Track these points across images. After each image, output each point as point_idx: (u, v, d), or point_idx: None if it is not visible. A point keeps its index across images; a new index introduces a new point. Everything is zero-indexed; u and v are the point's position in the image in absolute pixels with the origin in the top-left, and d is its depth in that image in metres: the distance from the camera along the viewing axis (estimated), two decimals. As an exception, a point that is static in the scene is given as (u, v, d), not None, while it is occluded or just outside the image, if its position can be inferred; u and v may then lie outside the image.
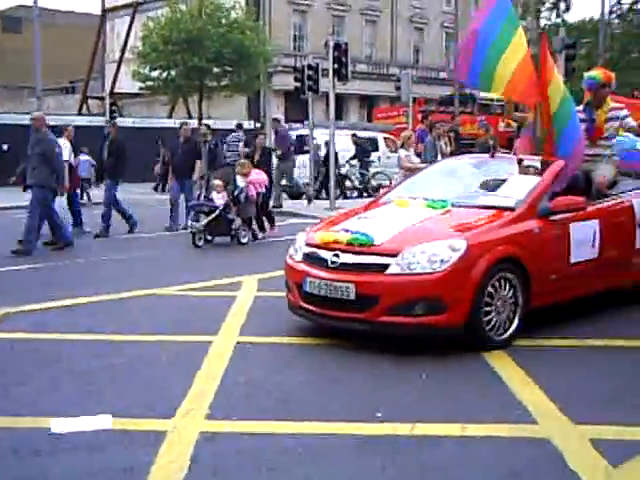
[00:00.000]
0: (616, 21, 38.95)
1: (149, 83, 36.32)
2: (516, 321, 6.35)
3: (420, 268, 5.98)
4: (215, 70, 34.67)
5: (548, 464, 4.09)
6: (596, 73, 8.31)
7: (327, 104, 23.64)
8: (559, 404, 4.92)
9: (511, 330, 6.31)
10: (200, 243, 12.77)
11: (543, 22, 40.20)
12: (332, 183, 19.94)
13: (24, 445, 4.36)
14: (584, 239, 7.01)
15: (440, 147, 16.40)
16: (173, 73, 34.89)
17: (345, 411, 4.89)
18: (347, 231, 6.53)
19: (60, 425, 4.60)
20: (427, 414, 4.80)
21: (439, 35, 52.90)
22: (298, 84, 21.40)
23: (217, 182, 13.23)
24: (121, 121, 31.79)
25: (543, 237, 6.67)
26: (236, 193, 13.05)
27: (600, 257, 7.17)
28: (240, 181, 13.14)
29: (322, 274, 6.34)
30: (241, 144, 19.22)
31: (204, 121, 33.22)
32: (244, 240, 13.20)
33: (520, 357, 5.96)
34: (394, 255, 6.07)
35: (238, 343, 6.45)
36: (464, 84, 8.78)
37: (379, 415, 4.79)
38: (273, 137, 20.42)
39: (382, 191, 9.60)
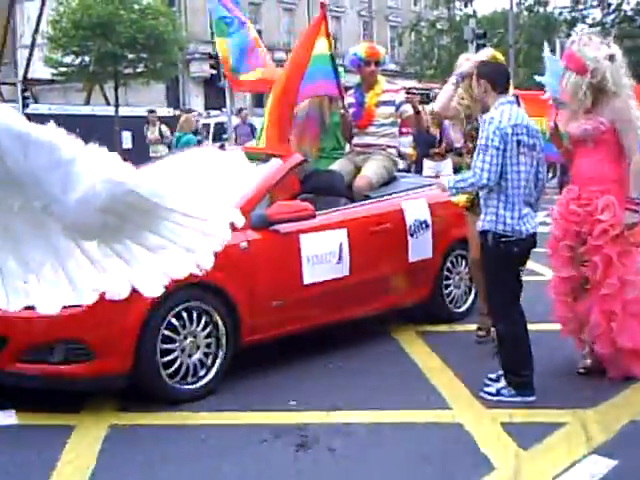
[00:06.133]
0: (525, 13, 39.77)
1: (62, 69, 35.43)
2: (218, 364, 5.01)
3: None
4: (130, 56, 34.01)
5: (460, 448, 4.12)
6: (358, 48, 6.91)
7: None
8: (472, 389, 4.96)
9: (210, 376, 4.97)
10: None
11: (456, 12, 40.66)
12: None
13: None
14: (324, 254, 5.62)
15: None
16: (87, 59, 34.11)
17: (260, 400, 4.84)
18: None
19: None
20: (341, 402, 4.78)
21: (356, 24, 53.04)
22: (214, 71, 21.22)
23: None
24: (34, 108, 30.99)
25: (256, 253, 5.23)
26: None
27: (352, 276, 5.78)
28: None
29: None
30: None
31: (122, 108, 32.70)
32: None
33: (435, 342, 6.00)
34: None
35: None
36: None
37: (293, 403, 4.76)
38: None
39: None
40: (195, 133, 16.28)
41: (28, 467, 3.94)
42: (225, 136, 22.26)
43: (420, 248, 6.25)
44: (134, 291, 4.41)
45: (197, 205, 1.77)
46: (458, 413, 4.61)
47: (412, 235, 6.22)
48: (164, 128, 16.87)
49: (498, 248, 4.74)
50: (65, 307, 4.36)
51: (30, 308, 4.46)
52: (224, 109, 24.67)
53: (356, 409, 4.66)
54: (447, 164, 10.52)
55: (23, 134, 1.49)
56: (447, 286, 6.54)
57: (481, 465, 3.90)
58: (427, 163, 10.88)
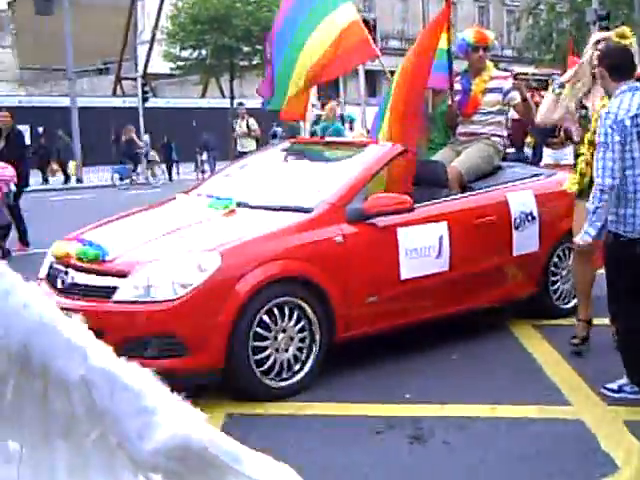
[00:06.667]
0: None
1: (180, 63, 36.42)
2: (311, 361, 4.88)
3: (158, 294, 4.56)
4: (245, 49, 34.60)
5: (580, 446, 3.99)
6: (466, 33, 6.68)
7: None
8: (593, 385, 4.79)
9: (302, 373, 4.84)
10: None
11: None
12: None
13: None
14: (422, 248, 5.40)
15: None
16: (204, 52, 34.90)
17: (374, 393, 4.83)
18: (80, 241, 5.19)
19: None
20: (457, 395, 4.72)
21: (471, 9, 52.19)
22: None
23: None
24: (153, 102, 31.98)
25: (351, 247, 5.09)
26: None
27: (453, 270, 5.57)
28: None
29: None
30: None
31: (237, 101, 33.30)
32: None
33: (553, 336, 5.82)
34: (124, 275, 4.70)
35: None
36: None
37: (408, 396, 4.72)
38: None
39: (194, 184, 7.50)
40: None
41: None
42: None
43: (525, 241, 6.00)
44: (227, 287, 4.60)
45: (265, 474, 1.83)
46: (578, 409, 4.46)
47: (517, 228, 5.96)
48: (252, 121, 16.72)
49: (620, 249, 4.47)
50: (159, 302, 4.55)
51: (124, 302, 4.65)
52: (339, 99, 24.82)
53: (472, 403, 4.58)
54: (568, 152, 10.20)
55: (114, 378, 1.57)
56: (554, 281, 6.27)
57: (603, 464, 3.76)
58: (546, 151, 10.61)
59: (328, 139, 6.98)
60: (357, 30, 6.91)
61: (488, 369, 5.24)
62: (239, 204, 5.40)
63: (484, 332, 6.01)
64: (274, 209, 5.32)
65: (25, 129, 31.40)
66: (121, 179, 25.60)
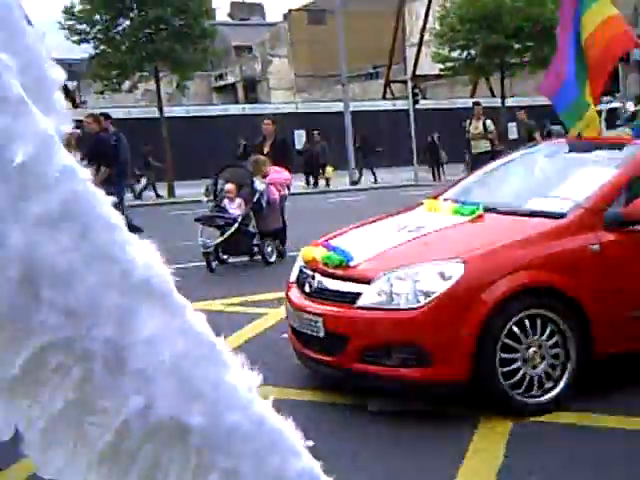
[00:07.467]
0: None
1: (449, 64, 36.48)
2: (566, 377, 4.58)
3: (401, 301, 4.51)
4: (516, 46, 33.88)
5: None
6: None
7: None
8: None
9: (558, 389, 4.56)
10: (214, 265, 10.04)
11: None
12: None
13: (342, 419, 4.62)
14: None
15: None
16: (472, 52, 34.69)
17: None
18: (326, 246, 5.27)
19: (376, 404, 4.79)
20: None
21: None
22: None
23: (229, 186, 10.30)
24: (422, 104, 32.30)
25: (609, 256, 4.69)
26: (255, 199, 10.19)
27: None
28: (258, 183, 10.28)
29: (297, 301, 5.17)
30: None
31: (477, 101, 32.69)
32: (272, 259, 10.29)
33: None
34: (368, 281, 4.69)
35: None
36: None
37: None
38: None
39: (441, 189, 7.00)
40: None
41: (439, 453, 4.09)
42: (619, 122, 21.14)
43: None
44: (472, 296, 4.42)
45: None
46: None
47: None
48: (488, 122, 16.10)
49: None
50: (401, 310, 4.50)
51: (367, 309, 4.64)
52: (617, 94, 23.59)
53: None
54: None
55: None
56: None
57: None
58: None
59: (585, 138, 6.51)
60: (616, 23, 6.48)
61: None
62: (487, 209, 5.22)
63: None
64: (524, 214, 5.08)
65: (301, 134, 33.32)
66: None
